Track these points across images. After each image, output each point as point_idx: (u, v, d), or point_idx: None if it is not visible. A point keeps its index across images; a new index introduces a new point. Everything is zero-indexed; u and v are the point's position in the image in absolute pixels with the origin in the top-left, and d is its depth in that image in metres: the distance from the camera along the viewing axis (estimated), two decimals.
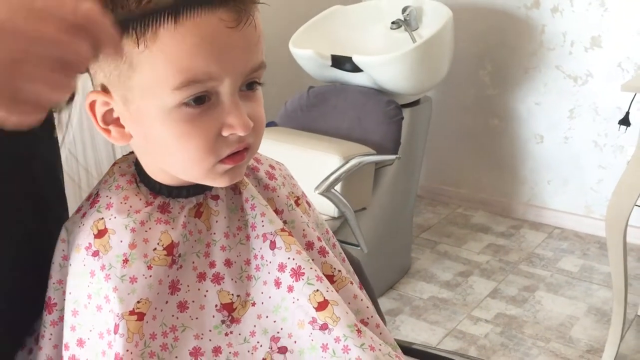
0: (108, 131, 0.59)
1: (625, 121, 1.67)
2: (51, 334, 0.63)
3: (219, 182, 0.61)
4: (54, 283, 0.63)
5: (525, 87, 2.52)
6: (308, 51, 2.00)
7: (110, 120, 0.59)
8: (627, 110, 1.68)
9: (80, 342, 0.61)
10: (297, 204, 0.71)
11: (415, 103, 2.11)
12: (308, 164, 1.75)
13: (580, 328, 1.95)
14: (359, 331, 0.62)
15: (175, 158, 0.59)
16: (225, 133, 0.56)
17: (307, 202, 0.74)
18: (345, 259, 0.76)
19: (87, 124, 1.98)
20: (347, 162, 1.72)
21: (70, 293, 0.61)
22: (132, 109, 0.57)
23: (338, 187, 1.72)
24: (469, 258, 2.38)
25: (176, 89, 0.54)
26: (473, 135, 2.71)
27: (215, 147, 0.57)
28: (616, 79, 2.28)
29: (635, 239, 2.26)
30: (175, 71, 0.54)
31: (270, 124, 2.10)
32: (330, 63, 2.00)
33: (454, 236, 2.55)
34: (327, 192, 1.64)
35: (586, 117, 2.42)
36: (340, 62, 1.99)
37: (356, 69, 1.96)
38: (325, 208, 1.73)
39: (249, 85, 0.58)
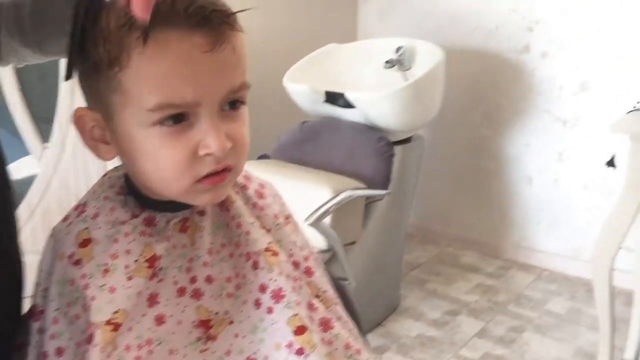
0: (95, 147, 0.61)
1: (611, 163, 1.69)
2: (37, 341, 0.63)
3: (199, 201, 0.61)
4: (41, 290, 0.63)
5: (516, 129, 2.56)
6: (302, 86, 2.04)
7: (96, 136, 0.61)
8: (613, 153, 1.71)
9: (60, 351, 0.60)
10: (287, 223, 0.71)
11: (407, 140, 2.14)
12: (299, 196, 1.75)
13: None
14: None
15: (154, 175, 0.59)
16: (201, 152, 0.56)
17: (294, 223, 0.74)
18: (330, 281, 0.76)
19: (81, 156, 1.99)
20: (337, 195, 1.73)
21: (52, 301, 0.61)
22: (113, 125, 0.59)
23: (328, 220, 1.73)
24: (457, 297, 2.37)
25: (151, 110, 0.55)
26: (464, 175, 2.74)
27: (191, 166, 0.57)
28: (605, 122, 2.32)
29: (623, 282, 2.25)
30: (148, 93, 0.54)
31: (263, 157, 2.12)
32: (323, 99, 2.03)
33: (443, 275, 2.54)
34: (316, 224, 1.65)
35: (575, 160, 2.45)
36: (334, 98, 2.02)
37: (349, 105, 1.99)
38: (314, 240, 1.73)
39: (232, 104, 0.58)
